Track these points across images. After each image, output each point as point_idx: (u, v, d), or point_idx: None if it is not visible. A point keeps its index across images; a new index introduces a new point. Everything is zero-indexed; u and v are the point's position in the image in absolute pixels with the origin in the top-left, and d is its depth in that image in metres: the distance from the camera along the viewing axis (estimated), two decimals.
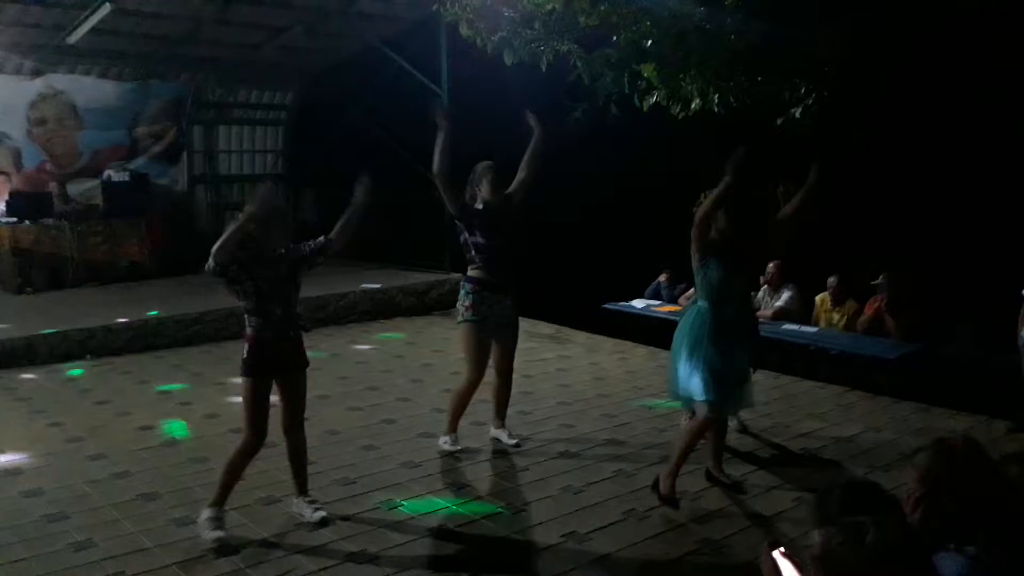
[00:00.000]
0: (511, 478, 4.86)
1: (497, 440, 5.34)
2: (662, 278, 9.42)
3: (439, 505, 4.47)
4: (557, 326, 8.86)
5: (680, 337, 4.55)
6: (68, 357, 7.62)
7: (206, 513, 4.04)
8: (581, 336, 8.52)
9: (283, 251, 4.12)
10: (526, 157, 5.24)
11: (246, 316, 4.06)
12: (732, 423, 5.26)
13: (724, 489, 4.61)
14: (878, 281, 7.51)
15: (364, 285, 9.87)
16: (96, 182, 11.21)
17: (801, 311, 8.10)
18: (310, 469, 4.88)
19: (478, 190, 5.09)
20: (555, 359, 7.69)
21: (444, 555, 3.98)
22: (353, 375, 7.14)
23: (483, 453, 5.24)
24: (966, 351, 7.02)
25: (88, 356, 7.72)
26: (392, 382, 6.87)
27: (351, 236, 4.31)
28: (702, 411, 4.45)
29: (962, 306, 7.30)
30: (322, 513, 4.21)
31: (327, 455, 5.16)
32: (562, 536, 4.09)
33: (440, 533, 4.16)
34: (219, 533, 3.98)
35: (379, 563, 3.83)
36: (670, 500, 4.37)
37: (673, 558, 3.91)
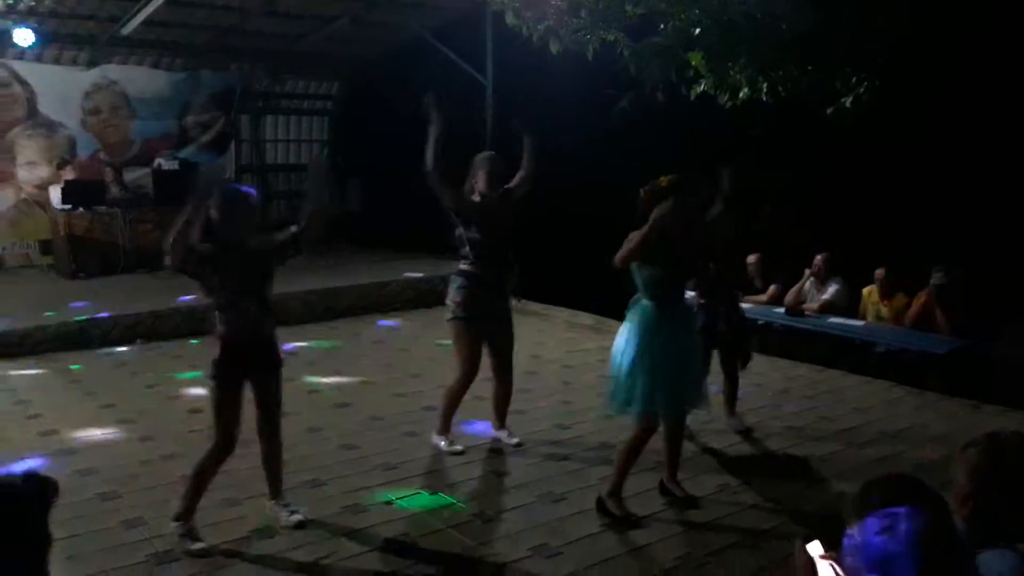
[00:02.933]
0: (549, 467, 4.85)
1: (498, 440, 5.19)
2: (751, 259, 8.89)
3: (475, 494, 4.48)
4: (599, 316, 8.83)
5: (623, 340, 4.17)
6: (119, 342, 7.81)
7: (175, 528, 3.85)
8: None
9: (252, 242, 3.86)
10: (525, 154, 5.05)
11: (216, 313, 3.82)
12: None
13: (677, 502, 4.33)
14: (941, 281, 7.22)
15: (407, 274, 9.95)
16: (147, 170, 11.45)
17: (848, 304, 7.97)
18: (354, 453, 4.97)
19: (475, 182, 4.91)
20: (596, 350, 7.66)
21: (483, 540, 4.00)
22: (396, 362, 7.22)
23: (522, 442, 5.23)
24: (1016, 348, 6.85)
25: (138, 340, 7.91)
26: (434, 370, 6.89)
27: (319, 232, 4.06)
28: (636, 423, 4.16)
29: (1012, 303, 7.12)
30: (298, 516, 4.04)
31: (370, 440, 5.23)
32: (602, 525, 4.08)
33: (480, 519, 4.19)
34: (200, 544, 3.81)
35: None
36: (623, 519, 4.10)
37: (719, 547, 3.87)
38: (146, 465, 4.83)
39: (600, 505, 4.20)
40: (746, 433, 5.39)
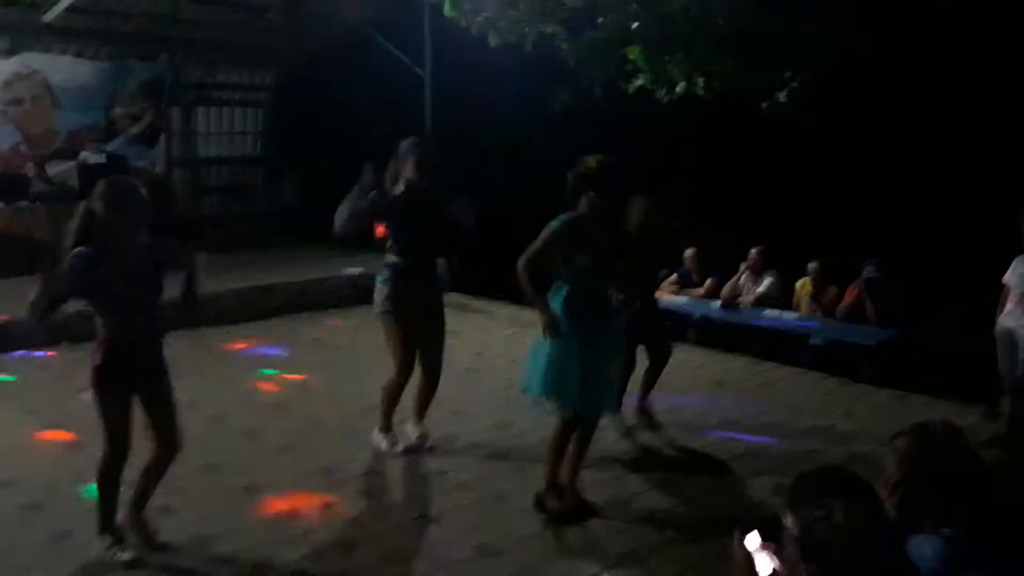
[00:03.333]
0: (491, 466, 4.84)
1: (408, 436, 5.00)
2: (688, 253, 8.80)
3: (416, 494, 4.45)
4: None
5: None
6: (44, 344, 7.51)
7: (100, 543, 3.67)
8: None
9: (142, 243, 3.58)
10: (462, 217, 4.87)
11: (98, 318, 3.56)
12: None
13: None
14: (873, 274, 7.40)
15: (346, 270, 9.80)
16: (71, 163, 11.04)
17: (782, 297, 8.13)
18: (291, 456, 4.88)
19: (402, 169, 4.68)
20: None
21: (427, 542, 3.96)
22: (335, 361, 7.11)
23: (462, 440, 5.19)
24: (944, 337, 7.08)
25: (64, 343, 7.62)
26: (374, 370, 6.77)
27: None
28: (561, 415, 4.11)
29: (942, 292, 7.36)
30: (127, 555, 3.65)
31: (308, 442, 5.14)
32: (545, 522, 4.07)
33: (422, 521, 4.15)
34: (130, 554, 3.65)
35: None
36: (563, 513, 4.06)
37: (665, 539, 3.91)
38: (74, 474, 4.65)
39: (538, 503, 4.18)
40: (649, 424, 5.36)
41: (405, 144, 4.77)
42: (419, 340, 4.83)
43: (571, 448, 4.18)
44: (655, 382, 5.46)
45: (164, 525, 3.94)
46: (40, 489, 4.43)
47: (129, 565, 3.62)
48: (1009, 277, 5.34)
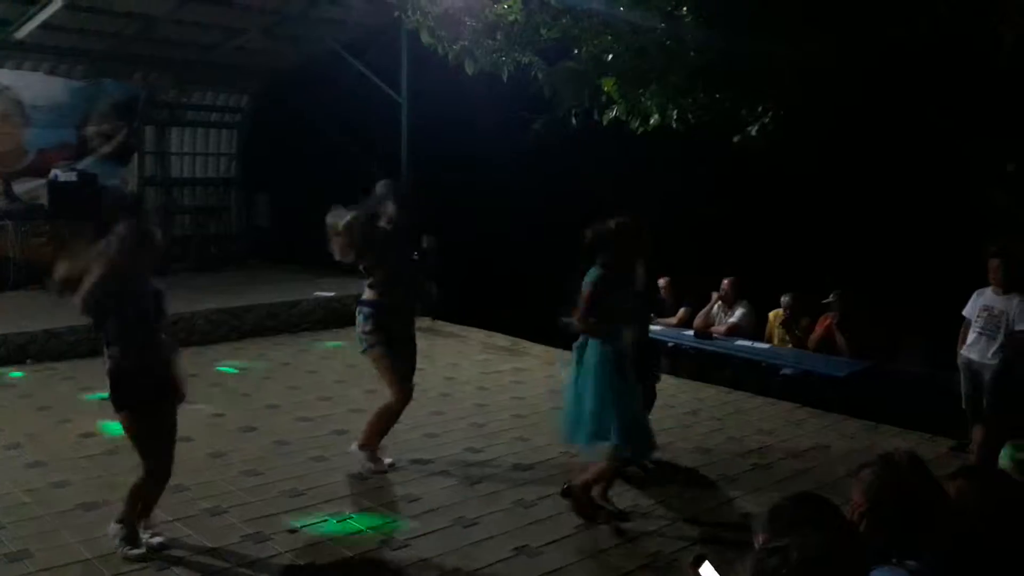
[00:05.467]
0: (462, 491, 4.80)
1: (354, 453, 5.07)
2: (662, 283, 8.82)
3: (385, 519, 4.40)
4: (513, 338, 8.83)
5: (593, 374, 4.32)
6: (7, 361, 7.38)
7: (115, 529, 3.87)
8: (537, 348, 8.50)
9: (152, 281, 3.85)
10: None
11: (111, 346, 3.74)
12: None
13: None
14: (830, 299, 7.62)
15: (318, 293, 9.75)
16: (42, 181, 10.90)
17: (754, 327, 8.19)
18: (258, 480, 4.82)
19: (382, 209, 4.96)
20: (510, 371, 7.66)
21: (394, 568, 3.91)
22: (304, 385, 7.03)
23: (434, 465, 5.17)
24: (912, 369, 7.16)
25: (28, 360, 7.49)
26: (344, 392, 6.77)
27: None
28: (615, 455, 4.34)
29: (911, 324, 7.45)
30: (140, 551, 3.86)
31: (275, 466, 5.06)
32: (514, 550, 4.05)
33: (388, 547, 4.09)
34: (139, 551, 3.84)
35: None
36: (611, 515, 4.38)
37: (626, 571, 3.89)
38: (33, 493, 4.54)
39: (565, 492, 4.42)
40: None
41: (381, 186, 5.07)
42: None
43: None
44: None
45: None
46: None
47: (131, 559, 3.80)
48: (969, 310, 5.51)
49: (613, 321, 4.26)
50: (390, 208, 4.94)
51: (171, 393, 3.87)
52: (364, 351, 5.00)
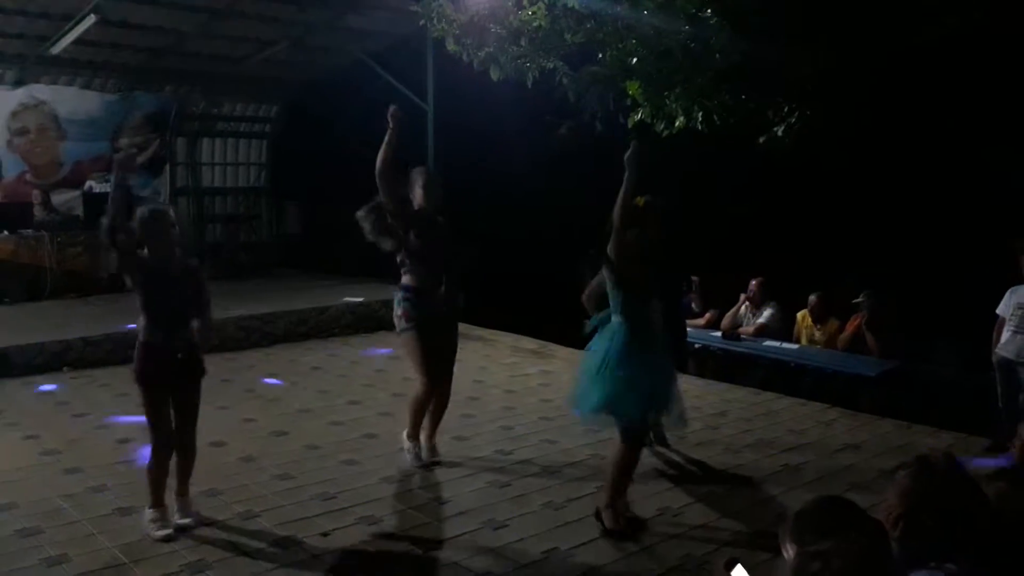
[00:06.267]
0: (492, 494, 4.82)
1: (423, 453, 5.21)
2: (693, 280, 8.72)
3: (416, 522, 4.43)
4: (541, 341, 8.85)
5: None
6: (45, 369, 7.53)
7: (149, 514, 4.17)
8: (565, 351, 8.51)
9: (178, 264, 4.15)
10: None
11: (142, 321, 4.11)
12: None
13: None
14: (860, 299, 7.56)
15: (346, 298, 9.83)
16: (77, 193, 11.13)
17: (782, 328, 8.14)
18: (289, 484, 4.87)
19: (412, 195, 5.01)
20: (538, 374, 7.68)
21: (425, 570, 3.94)
22: (334, 389, 7.10)
23: (463, 467, 5.20)
24: (945, 369, 7.08)
25: (66, 368, 7.63)
26: (374, 396, 6.83)
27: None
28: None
29: (942, 324, 7.37)
30: (166, 531, 4.14)
31: (307, 469, 5.12)
32: (544, 552, 4.06)
33: (421, 548, 4.13)
34: (166, 531, 4.11)
35: None
36: (616, 532, 4.22)
37: (657, 574, 3.89)
38: (71, 499, 4.63)
39: (597, 515, 4.32)
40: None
41: (417, 171, 5.11)
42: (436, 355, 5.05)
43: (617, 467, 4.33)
44: None
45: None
46: (37, 515, 4.41)
47: (159, 540, 4.06)
48: (1003, 308, 5.44)
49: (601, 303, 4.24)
50: (416, 195, 4.98)
51: (175, 372, 4.08)
52: (398, 334, 5.09)
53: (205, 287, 4.23)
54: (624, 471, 4.31)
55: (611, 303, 4.26)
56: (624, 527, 4.24)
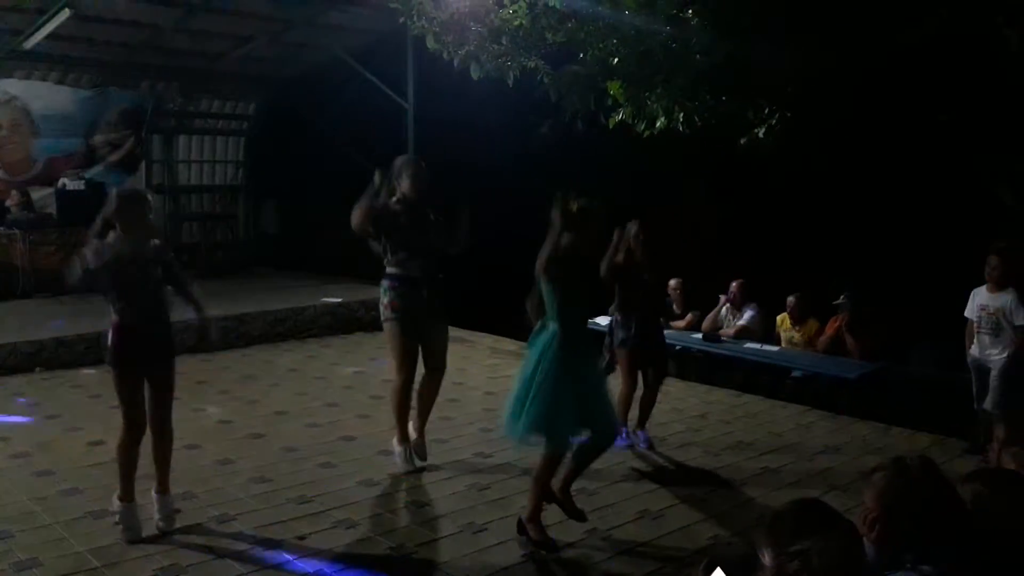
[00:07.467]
0: (471, 497, 4.78)
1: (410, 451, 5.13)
2: (673, 284, 8.68)
3: (394, 526, 4.38)
4: (521, 343, 8.80)
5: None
6: (16, 370, 7.39)
7: (118, 507, 4.10)
8: None
9: (151, 248, 4.13)
10: (460, 223, 5.09)
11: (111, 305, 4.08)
12: None
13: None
14: (840, 301, 7.60)
15: (325, 299, 9.75)
16: (50, 190, 10.95)
17: (763, 330, 8.16)
18: (266, 487, 4.81)
19: (398, 184, 4.95)
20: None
21: (404, 575, 3.90)
22: (312, 391, 7.02)
23: (443, 470, 5.16)
24: (923, 371, 7.13)
25: (38, 369, 7.51)
26: (352, 398, 6.76)
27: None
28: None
29: (921, 326, 7.42)
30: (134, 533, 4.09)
31: (284, 472, 5.06)
32: (523, 556, 4.03)
33: (400, 552, 4.08)
34: (134, 532, 4.07)
35: None
36: (542, 544, 4.07)
37: None
38: (41, 502, 4.54)
39: (520, 528, 4.17)
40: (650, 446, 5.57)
41: (400, 161, 5.05)
42: (421, 344, 5.02)
43: (569, 465, 4.24)
44: (653, 405, 5.71)
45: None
46: (7, 519, 4.31)
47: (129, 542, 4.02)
48: (969, 311, 5.55)
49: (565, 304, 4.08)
50: (403, 184, 4.93)
51: (149, 351, 4.05)
52: (383, 323, 5.05)
53: (176, 265, 4.27)
54: (546, 484, 4.18)
55: (547, 309, 4.16)
56: (547, 539, 4.09)
